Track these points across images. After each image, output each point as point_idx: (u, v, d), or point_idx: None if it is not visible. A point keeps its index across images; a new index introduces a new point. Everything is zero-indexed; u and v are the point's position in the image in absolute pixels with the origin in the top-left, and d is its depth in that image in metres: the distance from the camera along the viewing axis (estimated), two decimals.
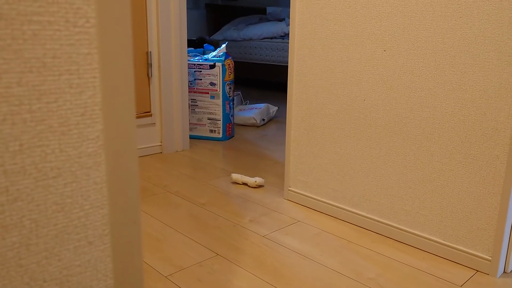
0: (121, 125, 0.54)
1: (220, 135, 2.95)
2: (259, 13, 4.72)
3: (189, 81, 2.91)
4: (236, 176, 2.18)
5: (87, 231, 0.54)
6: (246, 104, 3.72)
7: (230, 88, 2.93)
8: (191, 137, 3.00)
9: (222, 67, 2.83)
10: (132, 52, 0.53)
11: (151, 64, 2.52)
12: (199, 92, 2.90)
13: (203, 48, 3.61)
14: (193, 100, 2.92)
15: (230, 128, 3.00)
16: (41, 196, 0.49)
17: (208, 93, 2.88)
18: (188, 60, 2.89)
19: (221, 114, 2.89)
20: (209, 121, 2.93)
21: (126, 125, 0.54)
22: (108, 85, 0.52)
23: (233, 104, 2.99)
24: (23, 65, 0.45)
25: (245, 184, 2.17)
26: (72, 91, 0.50)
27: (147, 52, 2.50)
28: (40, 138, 0.49)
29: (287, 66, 2.11)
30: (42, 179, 0.49)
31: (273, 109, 3.57)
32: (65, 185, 0.51)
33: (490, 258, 1.42)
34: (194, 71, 2.88)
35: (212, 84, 2.85)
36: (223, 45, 2.94)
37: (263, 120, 3.40)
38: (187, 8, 4.27)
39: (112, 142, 0.54)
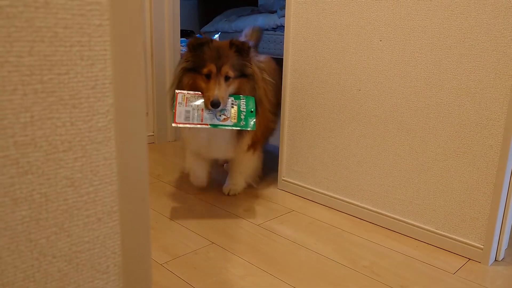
0: (131, 100, 0.53)
1: None
2: (251, 5, 4.70)
3: None
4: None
5: (96, 207, 0.53)
6: None
7: None
8: None
9: None
10: (142, 26, 0.52)
11: (144, 53, 2.49)
12: None
13: None
14: None
15: None
16: (52, 170, 0.49)
17: None
18: (181, 51, 2.86)
19: None
20: None
21: (136, 100, 0.53)
22: (119, 58, 0.51)
23: None
24: (35, 34, 0.44)
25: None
26: (83, 63, 0.49)
27: None
28: (51, 110, 0.48)
29: (280, 58, 2.08)
30: (53, 152, 0.48)
31: None
32: (75, 159, 0.50)
33: (482, 246, 1.44)
34: None
35: None
36: (216, 36, 2.92)
37: None
38: None
39: (122, 117, 0.53)
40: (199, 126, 1.49)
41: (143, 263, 0.59)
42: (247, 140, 1.76)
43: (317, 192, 1.87)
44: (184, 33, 3.66)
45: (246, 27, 4.06)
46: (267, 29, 3.99)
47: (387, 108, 1.60)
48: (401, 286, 1.29)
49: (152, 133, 2.62)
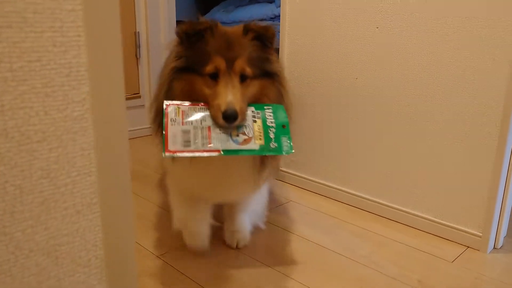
0: (108, 88, 0.51)
1: None
2: None
3: None
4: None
5: (74, 199, 0.52)
6: None
7: None
8: None
9: None
10: (118, 10, 0.50)
11: (139, 44, 2.46)
12: None
13: None
14: None
15: None
16: (25, 161, 0.47)
17: None
18: None
19: None
20: None
21: (114, 88, 0.51)
22: (94, 45, 0.49)
23: None
24: (2, 19, 0.42)
25: None
26: (56, 50, 0.47)
27: (135, 33, 2.45)
28: (23, 99, 0.46)
29: (277, 48, 2.05)
30: (26, 143, 0.47)
31: None
32: (50, 150, 0.48)
33: (480, 234, 1.42)
34: None
35: None
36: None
37: None
38: None
39: (99, 106, 0.51)
40: (206, 154, 0.97)
41: (127, 255, 0.57)
42: (268, 170, 1.22)
43: (315, 182, 1.85)
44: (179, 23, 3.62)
45: (244, 17, 4.02)
46: (265, 19, 3.95)
47: (385, 97, 1.58)
48: (400, 275, 1.28)
49: (150, 125, 2.60)
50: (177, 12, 2.82)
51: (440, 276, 1.29)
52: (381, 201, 1.66)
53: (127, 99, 2.49)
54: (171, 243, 1.44)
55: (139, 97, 2.54)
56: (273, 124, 1.07)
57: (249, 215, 1.41)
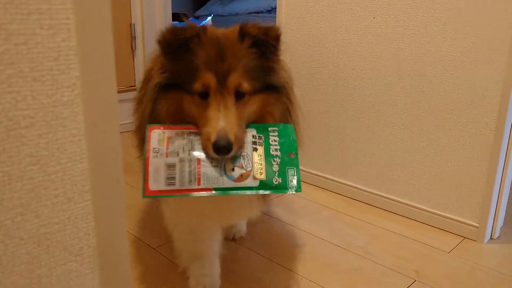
0: (99, 73, 0.50)
1: None
2: None
3: None
4: None
5: (65, 187, 0.50)
6: None
7: None
8: None
9: None
10: None
11: (134, 36, 2.44)
12: None
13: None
14: None
15: None
16: (13, 147, 0.46)
17: None
18: None
19: None
20: None
21: (104, 72, 0.50)
22: (84, 28, 0.48)
23: None
24: None
25: None
26: (44, 33, 0.46)
27: (130, 24, 2.42)
28: (10, 83, 0.45)
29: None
30: (14, 128, 0.45)
31: None
32: (40, 136, 0.47)
33: (477, 225, 1.42)
34: None
35: None
36: (209, 18, 2.86)
37: None
38: None
39: (90, 91, 0.50)
40: (194, 194, 0.82)
41: (119, 244, 0.56)
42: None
43: (312, 173, 1.84)
44: (176, 17, 3.59)
45: (241, 9, 3.99)
46: (261, 12, 3.92)
47: (382, 87, 1.57)
48: (396, 266, 1.28)
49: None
50: (173, 3, 2.80)
51: (437, 266, 1.29)
52: (377, 192, 1.65)
53: (123, 91, 2.47)
54: (167, 235, 1.43)
55: (135, 89, 2.52)
56: (278, 153, 0.87)
57: None
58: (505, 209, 1.46)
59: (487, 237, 1.43)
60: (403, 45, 1.48)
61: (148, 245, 1.37)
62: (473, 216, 1.43)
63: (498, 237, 1.46)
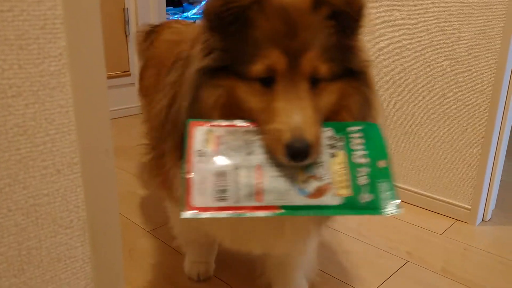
0: (86, 42, 0.49)
1: None
2: None
3: None
4: None
5: (54, 158, 0.50)
6: None
7: None
8: None
9: None
10: None
11: (128, 21, 2.42)
12: None
13: (182, 7, 3.47)
14: None
15: None
16: (0, 117, 0.45)
17: None
18: (167, 18, 2.78)
19: None
20: None
21: (92, 42, 0.50)
22: None
23: None
24: None
25: None
26: (29, 0, 0.45)
27: (123, 9, 2.40)
28: None
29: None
30: (0, 97, 0.45)
31: None
32: (27, 106, 0.47)
33: (469, 207, 1.43)
34: None
35: None
36: (204, 2, 2.83)
37: None
38: None
39: (77, 61, 0.49)
40: (255, 214, 0.60)
41: (110, 217, 0.56)
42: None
43: None
44: (170, 1, 3.54)
45: None
46: None
47: (374, 70, 1.56)
48: (389, 247, 1.29)
49: (140, 103, 2.57)
50: None
51: (429, 248, 1.30)
52: None
53: (117, 76, 2.45)
54: (161, 219, 1.43)
55: (129, 75, 2.50)
56: (366, 160, 0.66)
57: (305, 271, 1.02)
58: (497, 191, 1.47)
59: (479, 219, 1.44)
60: (397, 27, 1.47)
61: (143, 228, 1.37)
62: (466, 198, 1.44)
63: (490, 219, 1.47)
